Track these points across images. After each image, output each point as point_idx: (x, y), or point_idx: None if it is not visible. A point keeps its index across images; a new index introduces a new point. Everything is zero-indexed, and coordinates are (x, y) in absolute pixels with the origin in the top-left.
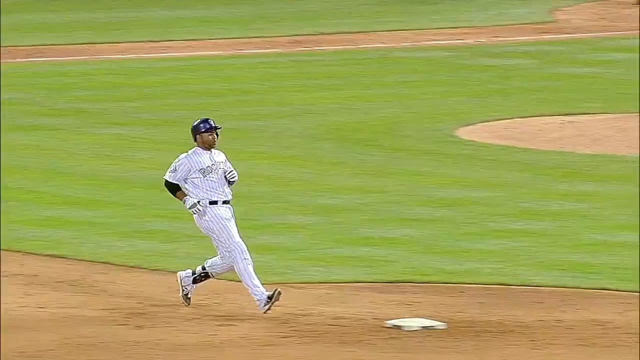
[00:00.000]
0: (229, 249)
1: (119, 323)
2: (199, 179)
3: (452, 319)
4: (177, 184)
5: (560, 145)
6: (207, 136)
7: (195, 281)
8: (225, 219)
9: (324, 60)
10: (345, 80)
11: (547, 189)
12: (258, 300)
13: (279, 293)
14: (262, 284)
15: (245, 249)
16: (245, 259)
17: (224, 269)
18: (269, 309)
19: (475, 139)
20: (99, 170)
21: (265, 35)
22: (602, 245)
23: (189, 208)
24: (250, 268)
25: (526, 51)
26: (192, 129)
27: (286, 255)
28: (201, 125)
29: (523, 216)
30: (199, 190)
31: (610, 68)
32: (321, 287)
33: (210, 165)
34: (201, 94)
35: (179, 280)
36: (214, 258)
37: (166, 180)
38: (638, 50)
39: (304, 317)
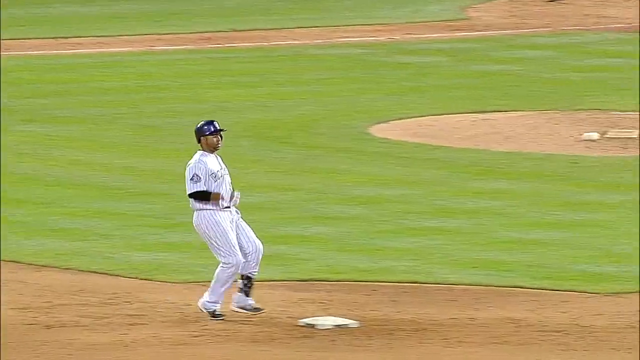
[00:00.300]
0: (222, 253)
1: (28, 322)
2: (210, 183)
3: (365, 317)
4: (206, 190)
5: (475, 142)
6: (212, 139)
7: (247, 294)
8: (224, 223)
9: (238, 57)
10: (260, 77)
11: (462, 187)
12: (206, 307)
13: (222, 318)
14: (173, 282)
15: (240, 265)
16: (232, 274)
17: (250, 264)
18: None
19: (390, 137)
20: (10, 168)
21: (176, 32)
22: (516, 243)
23: (234, 201)
24: (231, 282)
25: (440, 48)
26: (196, 131)
27: (200, 253)
28: (205, 127)
29: (438, 214)
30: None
31: (522, 65)
32: (234, 285)
33: (219, 169)
34: (116, 90)
35: (237, 309)
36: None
37: (195, 193)
38: (546, 49)
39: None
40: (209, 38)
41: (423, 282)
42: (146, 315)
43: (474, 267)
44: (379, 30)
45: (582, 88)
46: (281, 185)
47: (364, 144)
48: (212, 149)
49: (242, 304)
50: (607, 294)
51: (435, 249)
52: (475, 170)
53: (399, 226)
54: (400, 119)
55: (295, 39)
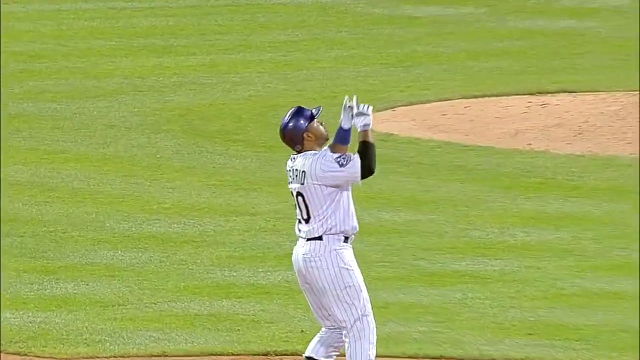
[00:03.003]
0: (357, 318)
1: None
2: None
3: None
4: (362, 151)
5: (527, 140)
6: (318, 127)
7: None
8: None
9: (152, 9)
10: (189, 39)
11: (506, 209)
12: None
13: None
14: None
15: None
16: (373, 342)
17: (336, 350)
18: None
19: (395, 131)
20: None
21: None
22: (592, 297)
23: (367, 119)
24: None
25: None
26: (293, 127)
27: (104, 312)
28: (307, 113)
29: (469, 250)
30: (340, 212)
31: (598, 20)
32: None
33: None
34: None
35: None
36: (315, 341)
37: (361, 165)
38: None
39: None
40: None
41: (448, 357)
42: None
43: (527, 335)
44: None
45: None
46: (227, 209)
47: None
48: (323, 140)
49: None
50: None
51: (465, 305)
52: (527, 183)
53: (409, 269)
54: (410, 103)
55: None
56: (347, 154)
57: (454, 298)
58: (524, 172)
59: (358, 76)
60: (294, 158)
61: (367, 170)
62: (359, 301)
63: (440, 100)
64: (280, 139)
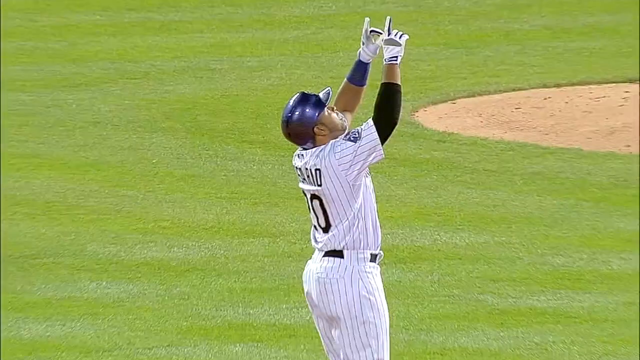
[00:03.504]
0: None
1: None
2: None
3: None
4: (383, 94)
5: (627, 140)
6: (331, 114)
7: None
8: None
9: None
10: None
11: (600, 230)
12: None
13: None
14: None
15: None
16: None
17: None
18: None
19: (454, 129)
20: None
21: None
22: None
23: (397, 50)
24: None
25: None
26: (304, 118)
27: None
28: (314, 97)
29: (552, 283)
30: (367, 221)
31: None
32: None
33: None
34: None
35: None
36: None
37: (379, 118)
38: None
39: None
40: None
41: None
42: None
43: None
44: None
45: None
46: (242, 228)
47: (403, 145)
48: (340, 132)
49: None
50: None
51: (544, 350)
52: (624, 195)
53: (474, 305)
54: (475, 94)
55: None
56: (355, 128)
57: (531, 343)
58: (619, 182)
59: (408, 59)
60: (301, 155)
61: (385, 123)
62: (377, 343)
63: (513, 90)
64: (286, 136)
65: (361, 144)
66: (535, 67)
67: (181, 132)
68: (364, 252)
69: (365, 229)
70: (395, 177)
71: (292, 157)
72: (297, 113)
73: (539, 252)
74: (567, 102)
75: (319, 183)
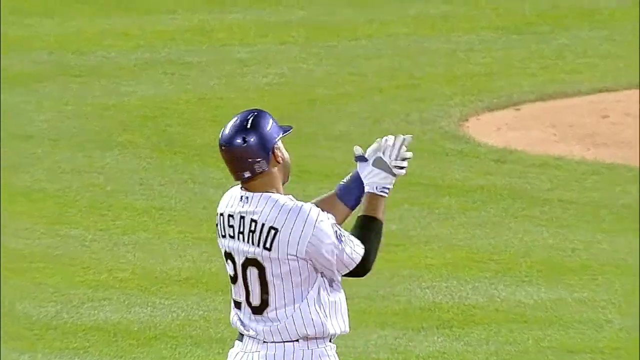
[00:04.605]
0: None
1: None
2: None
3: None
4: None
5: None
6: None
7: None
8: None
9: None
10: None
11: None
12: None
13: None
14: None
15: None
16: None
17: None
18: None
19: (518, 146)
20: None
21: None
22: None
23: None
24: None
25: None
26: (262, 138)
27: None
28: (275, 126)
29: None
30: (333, 307)
31: None
32: None
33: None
34: None
35: None
36: None
37: (364, 251)
38: None
39: None
40: None
41: None
42: None
43: None
44: None
45: None
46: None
47: (449, 167)
48: (288, 173)
49: None
50: None
51: None
52: None
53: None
54: (546, 97)
55: None
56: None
57: None
58: None
59: (455, 50)
60: (245, 197)
61: (360, 266)
62: None
63: (599, 92)
64: (225, 153)
65: (342, 252)
66: (629, 61)
67: (145, 148)
68: (323, 338)
69: (329, 313)
70: (438, 211)
71: (222, 195)
72: (255, 126)
73: (635, 313)
74: None
75: (266, 245)
